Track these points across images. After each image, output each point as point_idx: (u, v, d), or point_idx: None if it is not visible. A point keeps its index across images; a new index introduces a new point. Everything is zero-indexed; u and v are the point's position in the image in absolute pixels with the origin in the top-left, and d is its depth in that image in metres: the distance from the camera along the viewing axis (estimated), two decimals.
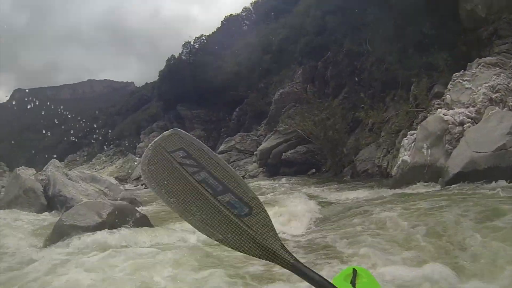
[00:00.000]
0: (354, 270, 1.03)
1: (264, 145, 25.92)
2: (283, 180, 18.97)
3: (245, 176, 25.40)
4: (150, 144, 1.12)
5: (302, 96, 25.59)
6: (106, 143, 76.69)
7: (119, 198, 12.10)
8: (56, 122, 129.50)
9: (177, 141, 1.11)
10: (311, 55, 29.75)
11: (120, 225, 7.02)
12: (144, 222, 7.67)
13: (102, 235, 6.18)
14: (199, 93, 42.19)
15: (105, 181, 13.15)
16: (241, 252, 0.87)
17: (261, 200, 0.98)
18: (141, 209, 11.30)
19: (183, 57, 48.32)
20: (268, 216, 0.93)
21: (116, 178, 36.17)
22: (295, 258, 0.85)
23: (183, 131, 1.16)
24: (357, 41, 22.74)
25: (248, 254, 0.87)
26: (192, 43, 49.67)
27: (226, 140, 33.52)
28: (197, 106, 43.58)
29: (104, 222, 6.99)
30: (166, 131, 1.15)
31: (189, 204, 0.94)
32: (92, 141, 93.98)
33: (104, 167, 51.28)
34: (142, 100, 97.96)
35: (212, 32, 59.00)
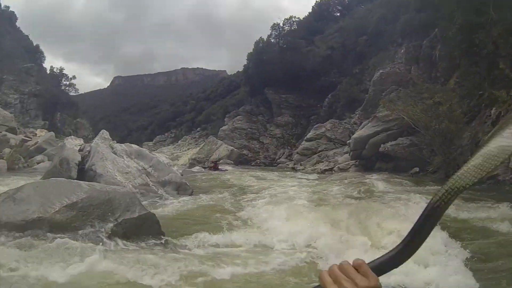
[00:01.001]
0: None
1: (360, 133, 22.31)
2: (374, 176, 15.82)
3: (334, 168, 22.55)
4: None
5: (406, 78, 22.19)
6: (193, 126, 78.85)
7: (163, 179, 10.66)
8: (150, 106, 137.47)
9: None
10: (413, 35, 26.37)
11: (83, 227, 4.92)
12: (146, 228, 5.48)
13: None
14: (288, 78, 40.28)
15: (153, 159, 11.65)
16: None
17: None
18: (181, 200, 9.72)
19: (272, 40, 46.55)
20: None
21: (195, 159, 36.15)
22: None
23: None
24: (475, 9, 17.40)
25: None
26: (281, 24, 47.39)
27: (315, 126, 30.97)
28: (285, 91, 41.63)
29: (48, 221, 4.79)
30: None
31: None
32: (180, 123, 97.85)
33: (188, 149, 51.78)
34: (231, 87, 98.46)
35: (303, 17, 56.61)
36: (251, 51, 46.99)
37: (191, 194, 10.76)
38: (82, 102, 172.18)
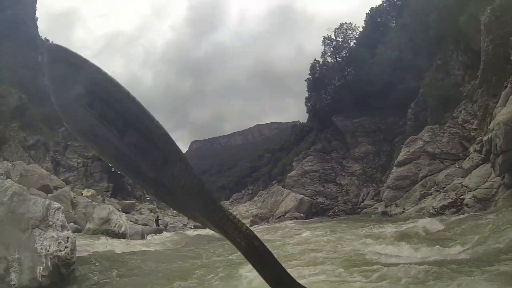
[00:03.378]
0: None
1: (507, 110, 12.98)
2: None
3: (464, 202, 13.79)
4: None
5: None
6: (270, 180, 73.08)
7: None
8: (228, 166, 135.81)
9: None
10: None
11: None
12: None
13: None
14: (357, 98, 32.72)
15: None
16: None
17: None
18: None
19: (328, 58, 39.37)
20: None
21: (257, 216, 29.17)
22: None
23: None
24: None
25: None
26: (333, 37, 39.84)
27: (407, 142, 21.89)
28: (357, 114, 33.68)
29: None
30: None
31: None
32: (256, 179, 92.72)
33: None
34: (303, 132, 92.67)
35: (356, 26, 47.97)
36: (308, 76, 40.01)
37: None
38: None
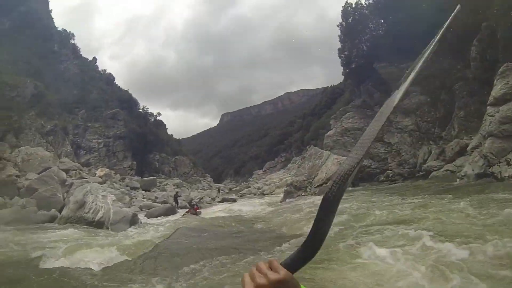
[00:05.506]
0: None
1: None
2: None
3: None
4: None
5: None
6: (303, 146, 68.18)
7: None
8: (260, 135, 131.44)
9: None
10: None
11: None
12: None
13: None
14: (399, 42, 26.10)
15: None
16: None
17: None
18: None
19: (363, 1, 32.21)
20: None
21: (292, 185, 23.82)
22: None
23: None
24: None
25: None
26: None
27: (501, 72, 13.68)
28: (405, 58, 26.79)
29: None
30: None
31: None
32: (289, 146, 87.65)
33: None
34: (335, 94, 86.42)
35: None
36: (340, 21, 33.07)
37: None
38: (194, 142, 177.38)
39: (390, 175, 23.40)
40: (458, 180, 12.93)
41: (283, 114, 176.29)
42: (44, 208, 14.41)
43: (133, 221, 12.80)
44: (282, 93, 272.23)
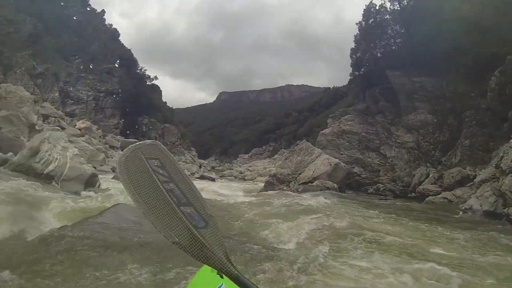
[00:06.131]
0: None
1: None
2: None
3: None
4: (130, 146, 1.13)
5: None
6: (294, 139, 67.03)
7: None
8: (255, 120, 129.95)
9: (155, 151, 1.16)
10: None
11: None
12: None
13: None
14: (417, 55, 24.56)
15: None
16: (192, 256, 0.91)
17: None
18: None
19: (388, 5, 30.19)
20: (220, 232, 0.99)
21: (275, 177, 22.02)
22: (238, 271, 0.90)
23: (162, 145, 1.22)
24: None
25: (198, 260, 0.92)
26: None
27: None
28: (419, 73, 25.22)
29: None
30: (147, 140, 1.21)
31: (154, 206, 0.98)
32: (280, 136, 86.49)
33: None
34: (337, 96, 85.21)
35: None
36: (360, 20, 31.16)
37: None
38: (188, 114, 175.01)
39: (381, 189, 21.92)
40: (461, 212, 11.59)
41: (281, 105, 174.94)
42: (3, 150, 12.81)
43: (90, 182, 11.33)
44: (283, 84, 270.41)
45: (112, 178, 17.45)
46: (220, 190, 20.03)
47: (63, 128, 26.86)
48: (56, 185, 10.40)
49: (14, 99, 21.26)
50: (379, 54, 29.50)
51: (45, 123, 25.19)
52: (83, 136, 26.69)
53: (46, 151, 11.05)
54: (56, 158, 11.02)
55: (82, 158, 12.53)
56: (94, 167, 19.43)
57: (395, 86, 25.67)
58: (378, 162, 24.70)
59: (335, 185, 19.77)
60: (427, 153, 23.17)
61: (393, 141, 24.77)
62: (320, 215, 9.79)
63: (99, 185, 11.90)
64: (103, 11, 65.26)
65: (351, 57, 32.07)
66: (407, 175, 22.26)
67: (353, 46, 32.07)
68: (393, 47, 28.94)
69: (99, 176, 12.71)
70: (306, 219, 9.29)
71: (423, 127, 23.84)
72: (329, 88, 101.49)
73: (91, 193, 10.78)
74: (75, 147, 13.00)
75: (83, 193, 10.73)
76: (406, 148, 24.03)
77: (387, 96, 26.65)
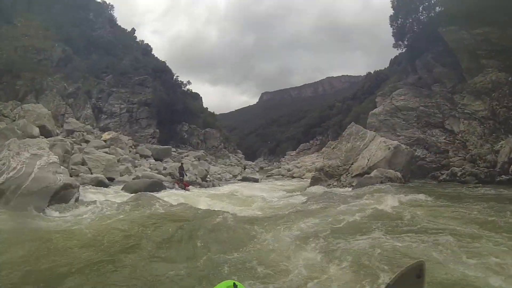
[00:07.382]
0: (235, 284, 1.18)
1: None
2: None
3: None
4: None
5: None
6: (341, 130, 62.55)
7: None
8: (298, 117, 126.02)
9: None
10: None
11: None
12: None
13: None
14: (471, 7, 19.50)
15: None
16: None
17: None
18: None
19: None
20: None
21: (322, 171, 17.14)
22: None
23: None
24: None
25: None
26: None
27: None
28: (481, 24, 19.78)
29: None
30: None
31: None
32: (326, 129, 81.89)
33: None
34: (378, 79, 79.10)
35: None
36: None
37: None
38: (231, 119, 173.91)
39: (458, 174, 16.94)
40: None
41: (323, 98, 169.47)
42: None
43: (62, 196, 8.75)
44: (323, 77, 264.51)
45: (122, 189, 15.02)
46: (256, 193, 16.69)
47: (87, 141, 25.59)
48: (7, 202, 7.69)
49: (31, 117, 21.79)
50: (424, 12, 24.65)
51: (68, 138, 24.07)
52: (108, 147, 24.76)
53: (0, 160, 8.42)
54: (15, 168, 8.44)
55: (62, 167, 9.98)
56: (107, 177, 17.19)
57: (453, 45, 20.66)
58: (444, 141, 20.00)
59: (398, 174, 15.63)
60: (507, 121, 18.17)
61: (460, 113, 19.97)
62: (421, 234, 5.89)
63: (77, 199, 9.10)
64: (133, 30, 65.07)
65: (391, 25, 27.46)
66: (489, 152, 17.30)
67: (391, 14, 27.48)
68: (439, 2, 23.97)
69: (87, 187, 9.99)
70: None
71: (496, 89, 18.80)
72: (370, 72, 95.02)
73: (57, 212, 8.20)
74: (54, 155, 10.26)
75: (47, 210, 8.20)
76: (478, 119, 19.14)
77: (443, 60, 21.78)
